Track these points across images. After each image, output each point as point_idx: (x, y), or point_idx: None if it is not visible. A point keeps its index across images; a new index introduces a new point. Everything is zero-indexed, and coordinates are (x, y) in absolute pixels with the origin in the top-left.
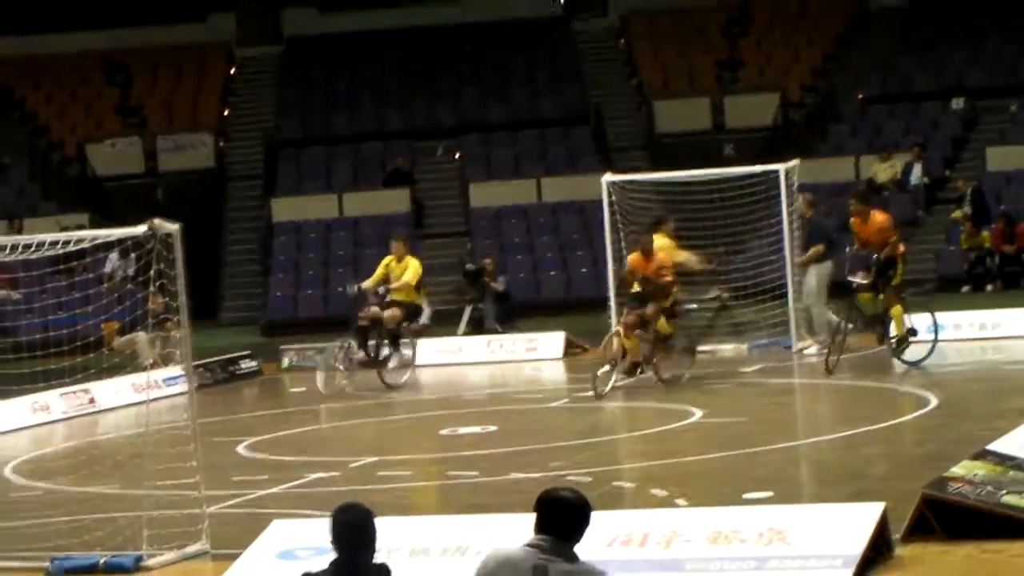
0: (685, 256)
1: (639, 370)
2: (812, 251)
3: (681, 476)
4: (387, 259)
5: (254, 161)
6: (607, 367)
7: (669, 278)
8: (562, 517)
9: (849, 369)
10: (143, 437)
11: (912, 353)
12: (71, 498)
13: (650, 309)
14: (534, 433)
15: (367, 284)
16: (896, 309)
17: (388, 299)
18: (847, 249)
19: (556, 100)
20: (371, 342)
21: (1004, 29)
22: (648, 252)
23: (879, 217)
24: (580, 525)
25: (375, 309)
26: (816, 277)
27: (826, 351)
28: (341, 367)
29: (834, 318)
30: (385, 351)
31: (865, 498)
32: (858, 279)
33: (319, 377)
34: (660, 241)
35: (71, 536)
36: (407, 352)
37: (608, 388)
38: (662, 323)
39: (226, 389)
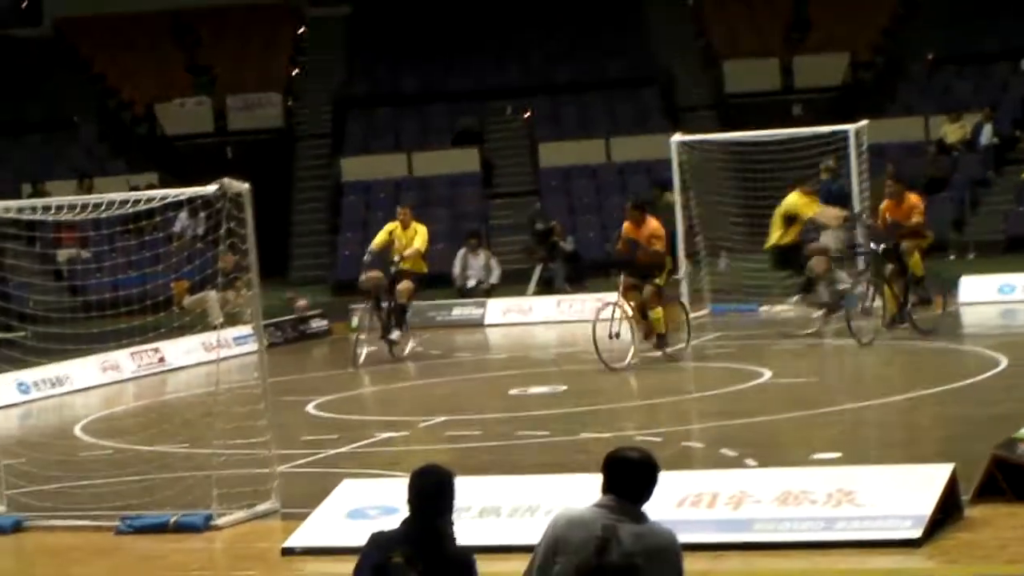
0: (820, 210)
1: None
2: (834, 215)
3: (750, 436)
4: (390, 225)
5: (323, 121)
6: (609, 339)
7: (660, 247)
8: (629, 477)
9: (917, 330)
10: (213, 396)
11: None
12: (141, 457)
13: (645, 292)
14: (603, 393)
15: (372, 247)
16: (657, 311)
17: (396, 269)
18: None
19: (624, 60)
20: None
21: None
22: (639, 220)
23: (913, 199)
24: (648, 485)
25: (377, 274)
26: (833, 241)
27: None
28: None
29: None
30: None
31: (934, 459)
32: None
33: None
34: (792, 199)
35: (141, 495)
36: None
37: (627, 362)
38: (657, 312)
39: (296, 348)
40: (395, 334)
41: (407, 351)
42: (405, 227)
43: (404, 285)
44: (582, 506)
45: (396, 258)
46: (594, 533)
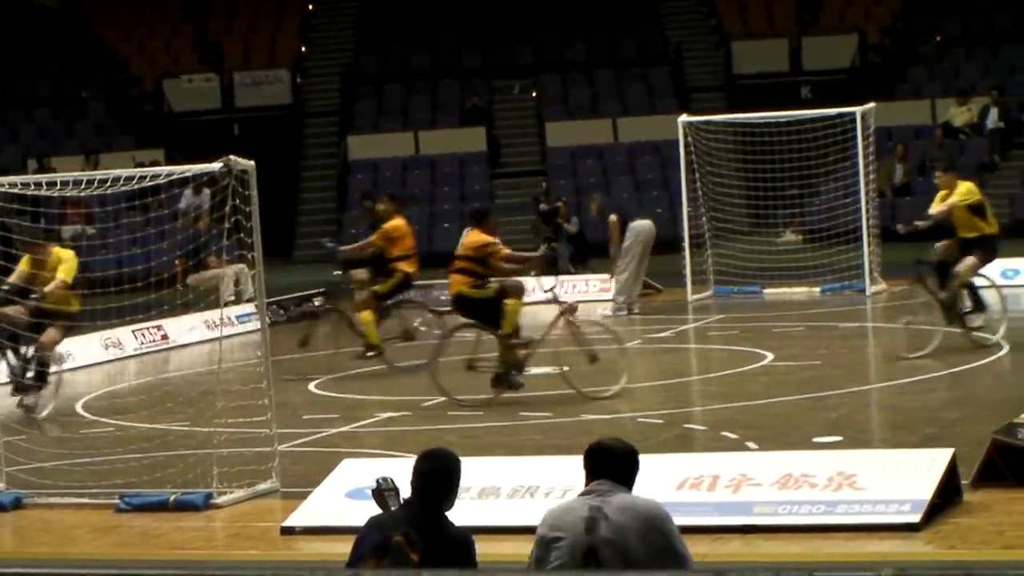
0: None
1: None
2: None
3: (752, 419)
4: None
5: (331, 98)
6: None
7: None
8: (613, 465)
9: (920, 313)
10: (215, 374)
11: None
12: (142, 435)
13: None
14: (606, 374)
15: (11, 280)
16: (366, 314)
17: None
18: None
19: (634, 40)
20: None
21: None
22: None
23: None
24: (632, 472)
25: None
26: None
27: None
28: None
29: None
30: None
31: (934, 443)
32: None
33: None
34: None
35: (141, 473)
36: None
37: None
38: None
39: (299, 327)
40: (30, 398)
41: (45, 413)
42: (41, 259)
43: (48, 335)
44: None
45: (36, 294)
46: (582, 513)
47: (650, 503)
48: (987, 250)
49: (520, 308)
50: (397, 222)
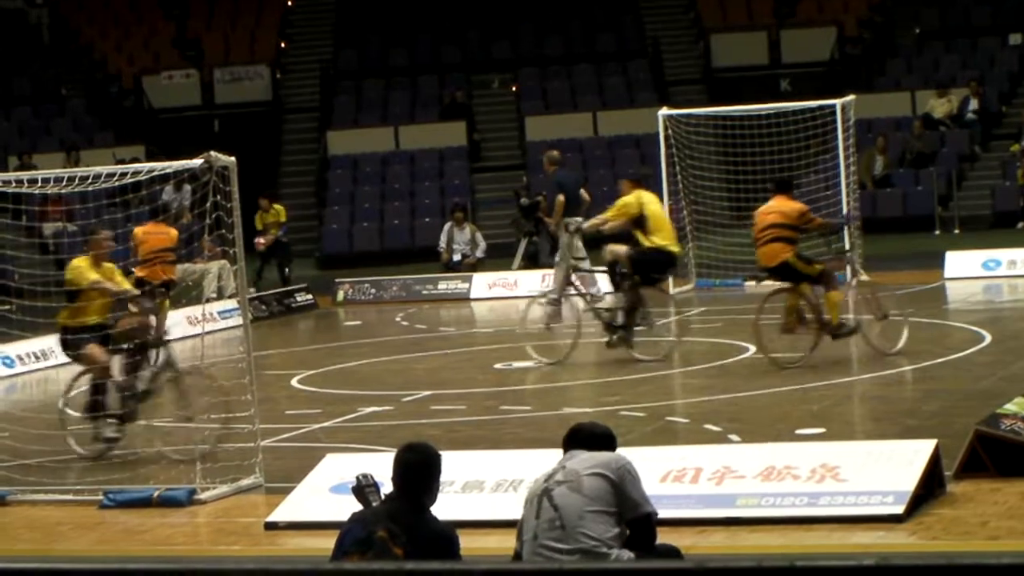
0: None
1: None
2: (556, 206)
3: (735, 411)
4: None
5: (311, 94)
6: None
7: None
8: (585, 440)
9: (902, 305)
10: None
11: None
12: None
13: None
14: (587, 368)
15: None
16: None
17: None
18: None
19: (613, 33)
20: None
21: None
22: None
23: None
24: (605, 447)
25: None
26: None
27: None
28: None
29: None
30: None
31: (918, 435)
32: None
33: None
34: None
35: (125, 469)
36: None
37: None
38: None
39: (281, 322)
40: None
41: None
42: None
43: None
44: None
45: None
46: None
47: (613, 454)
48: (645, 264)
49: (841, 299)
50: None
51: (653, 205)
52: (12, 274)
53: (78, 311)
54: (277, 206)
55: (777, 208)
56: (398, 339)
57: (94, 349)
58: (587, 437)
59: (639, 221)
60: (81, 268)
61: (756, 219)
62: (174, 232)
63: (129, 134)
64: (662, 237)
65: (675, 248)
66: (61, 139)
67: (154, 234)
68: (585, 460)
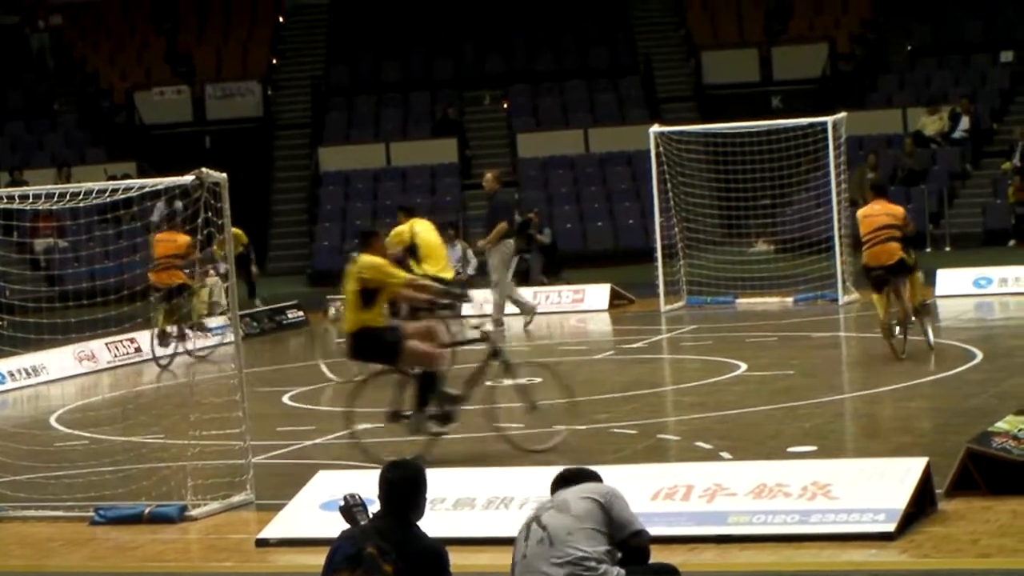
0: None
1: None
2: (496, 230)
3: (726, 429)
4: None
5: (302, 110)
6: None
7: None
8: (578, 478)
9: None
10: (189, 387)
11: None
12: (116, 448)
13: None
14: (579, 385)
15: None
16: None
17: None
18: None
19: (604, 50)
20: None
21: None
22: None
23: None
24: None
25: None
26: (499, 256)
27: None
28: None
29: (522, 297)
30: None
31: (909, 452)
32: None
33: None
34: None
35: (116, 486)
36: None
37: None
38: None
39: (272, 339)
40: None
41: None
42: None
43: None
44: None
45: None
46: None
47: (601, 483)
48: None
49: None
50: None
51: (425, 234)
52: (3, 290)
53: (376, 311)
54: (236, 230)
55: (884, 211)
56: None
57: (416, 344)
58: (574, 476)
59: (412, 250)
60: (384, 266)
61: (860, 221)
62: (183, 239)
63: (121, 150)
64: (432, 264)
65: (447, 275)
66: (53, 155)
67: (164, 241)
68: (574, 490)
